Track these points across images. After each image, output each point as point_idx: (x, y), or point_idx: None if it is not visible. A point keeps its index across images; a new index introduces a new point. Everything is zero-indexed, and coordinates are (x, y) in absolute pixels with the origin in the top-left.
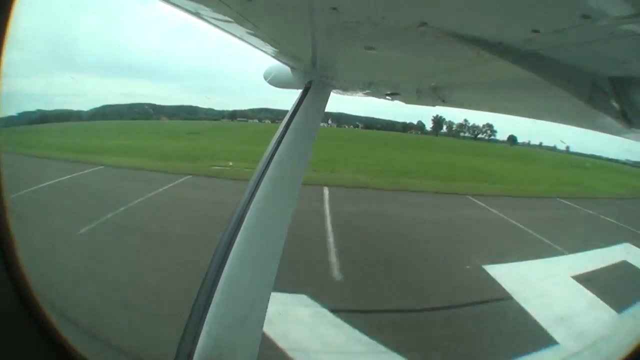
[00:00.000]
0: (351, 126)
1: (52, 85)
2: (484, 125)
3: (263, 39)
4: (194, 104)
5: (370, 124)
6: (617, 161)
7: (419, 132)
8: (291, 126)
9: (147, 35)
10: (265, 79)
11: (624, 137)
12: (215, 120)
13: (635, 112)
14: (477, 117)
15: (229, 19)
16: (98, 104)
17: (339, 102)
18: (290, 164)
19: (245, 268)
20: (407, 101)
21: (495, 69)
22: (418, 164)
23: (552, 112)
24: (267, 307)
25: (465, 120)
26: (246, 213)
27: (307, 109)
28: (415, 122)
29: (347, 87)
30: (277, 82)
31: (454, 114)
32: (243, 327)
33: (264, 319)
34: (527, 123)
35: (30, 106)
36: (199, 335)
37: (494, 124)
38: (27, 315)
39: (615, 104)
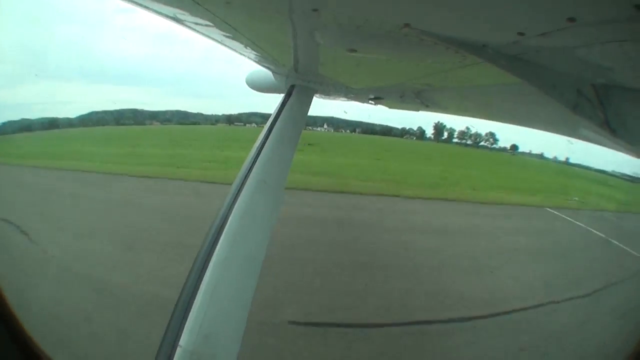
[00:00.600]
0: (348, 131)
1: (35, 93)
2: (486, 134)
3: (243, 43)
4: (182, 109)
5: (368, 128)
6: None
7: (414, 138)
8: (274, 130)
9: (129, 41)
10: (248, 83)
11: (609, 148)
12: (212, 125)
13: (618, 121)
14: (480, 125)
15: (208, 22)
16: (84, 111)
17: (337, 107)
18: (273, 167)
19: (226, 273)
20: (391, 106)
21: (480, 73)
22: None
23: (538, 119)
24: (247, 313)
25: (467, 128)
26: (228, 217)
27: (290, 113)
28: (414, 128)
29: (330, 92)
30: (259, 86)
31: (455, 122)
32: (223, 331)
33: (244, 323)
34: (530, 133)
35: (14, 115)
36: (179, 340)
37: (496, 133)
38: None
39: (599, 113)
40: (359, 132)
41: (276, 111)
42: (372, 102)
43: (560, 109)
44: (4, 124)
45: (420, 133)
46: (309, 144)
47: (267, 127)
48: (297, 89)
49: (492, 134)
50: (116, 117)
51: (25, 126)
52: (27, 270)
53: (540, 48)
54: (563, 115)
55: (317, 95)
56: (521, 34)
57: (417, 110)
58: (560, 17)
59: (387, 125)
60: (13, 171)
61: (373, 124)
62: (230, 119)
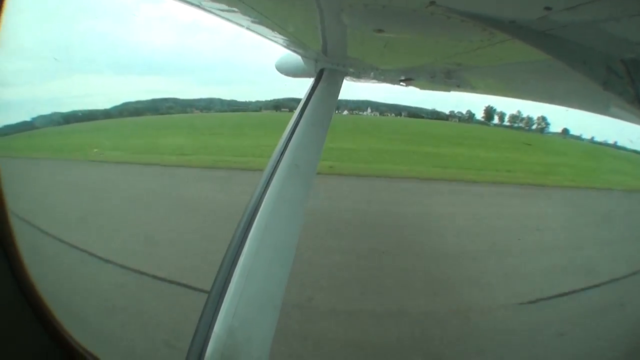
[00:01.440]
0: (393, 115)
1: (63, 88)
2: (537, 118)
3: (271, 28)
4: (214, 96)
5: (416, 113)
6: None
7: (457, 121)
8: (305, 115)
9: (156, 32)
10: (277, 68)
11: None
12: (256, 111)
13: None
14: (531, 109)
15: (234, 8)
16: (116, 102)
17: (387, 92)
18: (305, 151)
19: (260, 258)
20: (422, 87)
21: (509, 51)
22: None
23: (569, 96)
24: (281, 297)
25: (519, 112)
26: (261, 203)
27: (320, 96)
28: (463, 112)
29: (359, 74)
30: (288, 71)
31: (507, 105)
32: (258, 317)
33: (279, 308)
34: (581, 117)
35: (45, 110)
36: (213, 327)
37: (547, 117)
38: (30, 310)
39: (629, 88)
40: (405, 116)
41: (307, 95)
42: (403, 84)
43: (591, 86)
44: (34, 118)
45: (470, 116)
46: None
47: (298, 111)
48: (326, 73)
49: (543, 118)
50: (150, 106)
51: (57, 120)
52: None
53: (567, 23)
54: (593, 92)
55: (347, 78)
56: (548, 8)
57: (449, 90)
58: None
59: (434, 109)
60: (81, 167)
61: (420, 108)
62: (277, 105)
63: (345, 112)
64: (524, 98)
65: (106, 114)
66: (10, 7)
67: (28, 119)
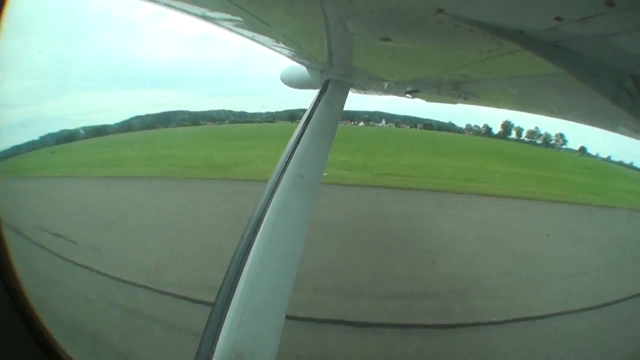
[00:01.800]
0: (408, 126)
1: (69, 105)
2: (555, 135)
3: (275, 38)
4: (224, 108)
5: (429, 124)
6: None
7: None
8: (309, 125)
9: (161, 46)
10: (282, 80)
11: None
12: (270, 122)
13: None
14: (548, 126)
15: (238, 18)
16: (127, 117)
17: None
18: (310, 162)
19: (265, 269)
20: (428, 99)
21: (517, 62)
22: None
23: (577, 111)
24: (285, 308)
25: (537, 127)
26: (265, 212)
27: (325, 108)
28: (480, 125)
29: (365, 85)
30: (293, 82)
31: (524, 121)
32: (263, 330)
33: (283, 319)
34: (599, 136)
35: (52, 128)
36: (217, 340)
37: (565, 134)
38: (20, 318)
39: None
40: (420, 128)
41: (312, 106)
42: (409, 96)
43: (600, 101)
44: (43, 137)
45: (487, 130)
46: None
47: (303, 121)
48: (332, 84)
49: (561, 135)
50: (162, 119)
51: (67, 136)
52: None
53: (578, 35)
54: (602, 107)
55: (353, 90)
56: (558, 19)
57: (455, 102)
58: (598, 1)
59: (451, 122)
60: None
61: (433, 120)
62: (292, 116)
63: (362, 124)
64: (531, 112)
65: (117, 129)
66: (9, 26)
67: (36, 137)
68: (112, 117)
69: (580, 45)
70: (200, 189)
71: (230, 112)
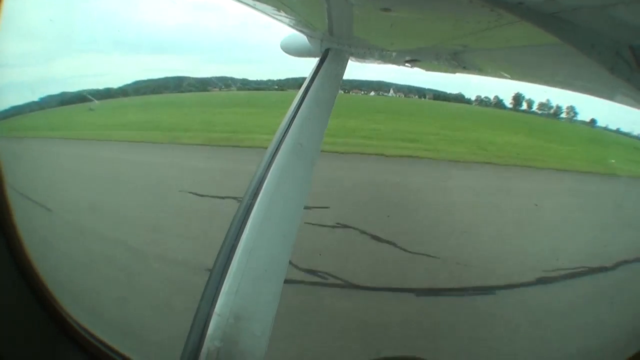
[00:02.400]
0: (416, 96)
1: (70, 68)
2: (567, 107)
3: (276, 6)
4: (226, 75)
5: (439, 95)
6: None
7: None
8: (309, 94)
9: (160, 11)
10: (282, 48)
11: None
12: (281, 90)
13: None
14: (559, 98)
15: None
16: (128, 81)
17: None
18: (309, 130)
19: (263, 236)
20: (427, 68)
21: (516, 33)
22: None
23: (576, 81)
24: (284, 275)
25: (547, 100)
26: (264, 180)
27: (325, 77)
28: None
29: (365, 54)
30: (294, 51)
31: (536, 92)
32: (261, 296)
33: (281, 286)
34: (611, 108)
35: (53, 90)
36: (215, 305)
37: (575, 106)
38: (22, 279)
39: (637, 75)
40: (429, 99)
41: (311, 74)
42: (409, 65)
43: (598, 71)
44: (43, 98)
45: (498, 102)
46: None
47: (302, 90)
48: (332, 53)
49: (572, 107)
50: (165, 84)
51: (68, 99)
52: None
53: (577, 6)
54: (601, 77)
55: (352, 58)
56: None
57: (454, 72)
58: None
59: (460, 93)
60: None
61: (445, 92)
62: (301, 84)
63: (372, 93)
64: (530, 81)
65: (118, 93)
66: None
67: (36, 99)
68: (112, 81)
69: (578, 16)
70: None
71: (230, 79)
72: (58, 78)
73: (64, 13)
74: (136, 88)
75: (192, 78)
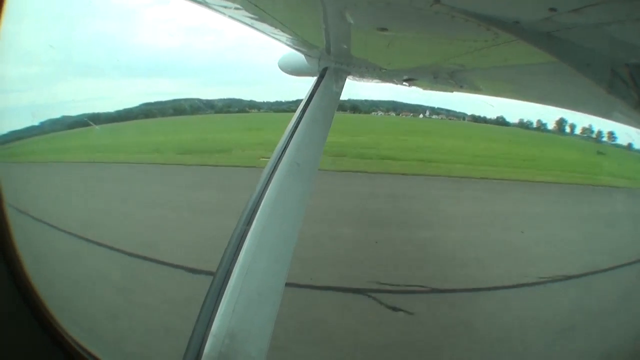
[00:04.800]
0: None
1: (70, 92)
2: (608, 132)
3: (274, 25)
4: (234, 97)
5: (478, 118)
6: None
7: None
8: (307, 113)
9: (156, 34)
10: (280, 67)
11: None
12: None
13: None
14: (604, 124)
15: (237, 5)
16: (131, 105)
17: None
18: (306, 150)
19: (260, 256)
20: (425, 87)
21: (513, 52)
22: None
23: (573, 100)
24: (280, 294)
25: (590, 125)
26: (261, 201)
27: (323, 95)
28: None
29: (363, 73)
30: (292, 70)
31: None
32: (257, 316)
33: (278, 306)
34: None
35: (54, 114)
36: (211, 325)
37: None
38: (29, 312)
39: (633, 93)
40: (468, 120)
41: (309, 93)
42: (406, 84)
43: (595, 90)
44: (43, 123)
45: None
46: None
47: (300, 109)
48: (329, 72)
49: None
50: (177, 107)
51: (71, 123)
52: None
53: (572, 25)
54: (597, 95)
55: (350, 77)
56: (553, 9)
57: (452, 91)
58: None
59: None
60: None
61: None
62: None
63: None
64: (527, 100)
65: (125, 115)
66: (10, 12)
67: (36, 123)
68: (112, 104)
69: (574, 35)
70: None
71: (238, 101)
72: (59, 102)
73: (63, 38)
74: (149, 110)
75: (204, 100)
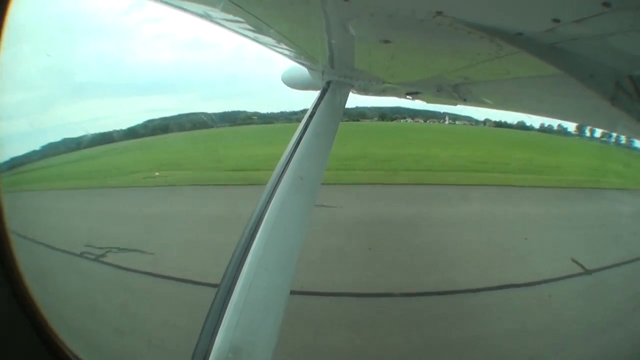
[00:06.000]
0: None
1: (70, 114)
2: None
3: (277, 39)
4: (237, 109)
5: (500, 123)
6: None
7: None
8: (310, 127)
9: (152, 51)
10: (284, 81)
11: None
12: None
13: None
14: None
15: (239, 19)
16: (133, 123)
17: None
18: (309, 164)
19: (263, 271)
20: (428, 100)
21: (516, 64)
22: None
23: (576, 112)
24: (283, 309)
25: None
26: (264, 215)
27: (326, 109)
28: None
29: (366, 87)
30: (295, 83)
31: None
32: (261, 331)
33: (280, 321)
34: None
35: (53, 138)
36: (215, 340)
37: None
38: (24, 316)
39: (638, 106)
40: (490, 126)
41: (312, 107)
42: (409, 97)
43: (598, 102)
44: (44, 147)
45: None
46: None
47: (304, 123)
48: (333, 85)
49: None
50: (184, 122)
51: (74, 145)
52: None
53: (576, 36)
54: (601, 108)
55: (354, 91)
56: (556, 20)
57: (455, 104)
58: (594, 1)
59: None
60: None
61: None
62: (384, 115)
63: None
64: (531, 113)
65: (129, 134)
66: (7, 39)
67: (37, 148)
68: (115, 123)
69: (578, 47)
70: None
71: (243, 113)
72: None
73: (59, 60)
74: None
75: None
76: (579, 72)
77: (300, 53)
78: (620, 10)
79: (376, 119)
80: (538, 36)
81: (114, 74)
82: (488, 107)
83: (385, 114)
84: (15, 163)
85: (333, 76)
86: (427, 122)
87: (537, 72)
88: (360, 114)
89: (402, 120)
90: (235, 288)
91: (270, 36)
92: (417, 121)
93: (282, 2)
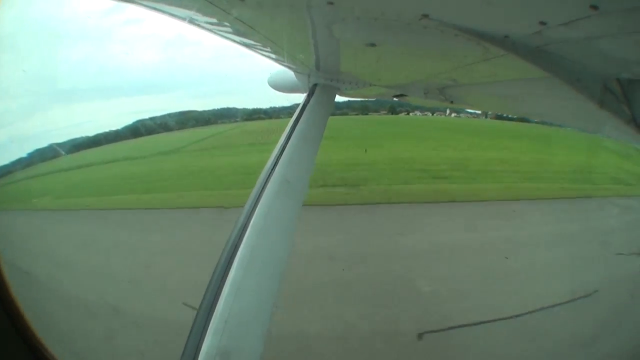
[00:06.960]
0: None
1: (54, 119)
2: None
3: (262, 42)
4: (228, 106)
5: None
6: None
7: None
8: (296, 129)
9: (139, 51)
10: (270, 84)
11: (637, 145)
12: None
13: None
14: None
15: (224, 22)
16: (124, 124)
17: None
18: (296, 166)
19: (250, 275)
20: (416, 102)
21: (504, 67)
22: None
23: (564, 115)
24: (270, 315)
25: None
26: (251, 218)
27: (312, 112)
28: None
29: (353, 89)
30: (281, 87)
31: None
32: (247, 336)
33: (267, 326)
34: None
35: (41, 144)
36: (201, 345)
37: None
38: (9, 322)
39: (625, 108)
40: (491, 118)
41: (299, 110)
42: (397, 99)
43: (586, 105)
44: (30, 154)
45: None
46: None
47: (290, 126)
48: (319, 88)
49: None
50: (175, 121)
51: (62, 150)
52: None
53: (563, 39)
54: (589, 110)
55: (340, 93)
56: (543, 23)
57: (442, 106)
58: (582, 4)
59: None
60: None
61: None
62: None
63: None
64: (519, 115)
65: (120, 135)
66: None
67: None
68: (102, 126)
69: (565, 49)
70: None
71: (233, 110)
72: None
73: (41, 65)
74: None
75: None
76: (566, 75)
77: (287, 56)
78: (608, 13)
79: (384, 112)
80: (525, 39)
81: (96, 77)
82: (475, 109)
83: (393, 108)
84: None
85: (319, 79)
86: (434, 115)
87: (525, 74)
88: (364, 107)
89: (410, 114)
90: (223, 293)
91: (256, 40)
92: (425, 114)
93: (267, 7)
